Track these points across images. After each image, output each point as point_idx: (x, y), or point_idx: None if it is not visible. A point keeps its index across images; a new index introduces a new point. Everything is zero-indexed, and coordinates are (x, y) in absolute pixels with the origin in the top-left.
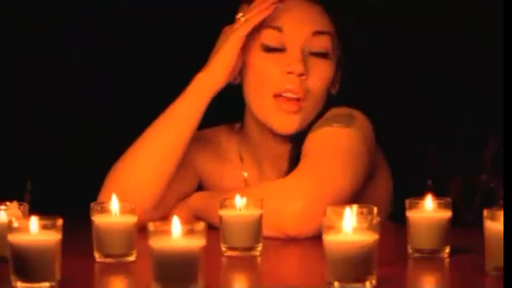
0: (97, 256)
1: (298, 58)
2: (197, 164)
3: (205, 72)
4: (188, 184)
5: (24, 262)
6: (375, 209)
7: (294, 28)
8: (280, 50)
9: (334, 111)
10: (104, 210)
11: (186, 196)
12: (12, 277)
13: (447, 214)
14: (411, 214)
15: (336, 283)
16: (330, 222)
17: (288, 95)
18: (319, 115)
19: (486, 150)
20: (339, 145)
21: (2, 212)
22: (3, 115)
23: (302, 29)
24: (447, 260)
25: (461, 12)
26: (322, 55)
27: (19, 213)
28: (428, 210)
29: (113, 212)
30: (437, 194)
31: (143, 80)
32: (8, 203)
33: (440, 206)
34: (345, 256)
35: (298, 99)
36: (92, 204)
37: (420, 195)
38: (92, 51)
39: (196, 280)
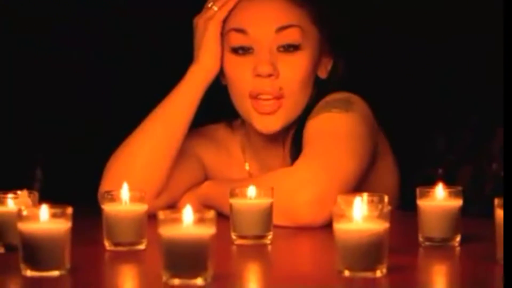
0: (107, 244)
1: (264, 59)
2: (202, 157)
3: (196, 64)
4: (194, 176)
5: (34, 250)
6: (386, 198)
7: (258, 28)
8: (248, 51)
9: (332, 97)
10: (114, 198)
11: (193, 186)
12: (22, 266)
13: (458, 202)
14: (422, 203)
15: (346, 272)
16: (341, 210)
17: (264, 96)
18: (316, 101)
19: (495, 139)
20: (340, 129)
21: (12, 201)
22: (13, 102)
23: (265, 28)
24: (458, 249)
25: None
26: (293, 48)
27: (29, 201)
28: (439, 198)
29: (123, 200)
30: (447, 184)
31: (143, 79)
32: (18, 192)
33: (451, 194)
34: (355, 245)
35: (274, 98)
36: (102, 193)
37: (431, 184)
38: (92, 51)
39: (206, 268)
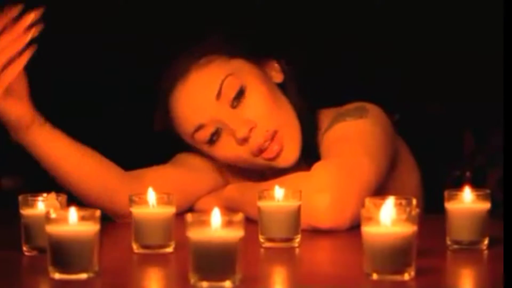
0: (135, 247)
1: (234, 127)
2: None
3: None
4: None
5: (62, 253)
6: (414, 201)
7: (207, 112)
8: (218, 135)
9: (345, 107)
10: (142, 201)
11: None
12: (50, 268)
13: (486, 205)
14: (450, 206)
15: (374, 275)
16: (369, 213)
17: (264, 146)
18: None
19: None
20: (356, 134)
21: (40, 203)
22: (42, 105)
23: (210, 106)
24: (485, 252)
25: None
26: (240, 93)
27: (57, 204)
28: (467, 201)
29: (150, 203)
30: (475, 187)
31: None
32: (46, 194)
33: (479, 197)
34: (383, 248)
35: (271, 140)
36: (130, 195)
37: (459, 187)
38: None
39: (234, 271)
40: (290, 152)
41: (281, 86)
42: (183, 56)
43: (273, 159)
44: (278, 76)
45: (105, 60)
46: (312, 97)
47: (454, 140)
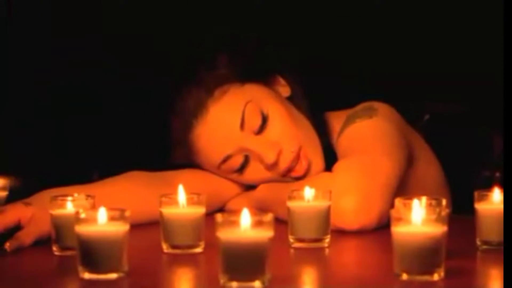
0: (165, 247)
1: (260, 154)
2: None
3: None
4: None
5: (92, 253)
6: (444, 201)
7: (228, 144)
8: (246, 163)
9: (354, 110)
10: (172, 201)
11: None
12: (80, 268)
13: None
14: (479, 206)
15: (404, 275)
16: (399, 214)
17: (292, 166)
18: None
19: None
20: (369, 135)
21: (70, 203)
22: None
23: (233, 137)
24: None
25: None
26: (263, 120)
27: (86, 204)
28: (497, 202)
29: (180, 203)
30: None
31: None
32: (75, 194)
33: None
34: (413, 248)
35: (298, 159)
36: (160, 196)
37: (488, 187)
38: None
39: (263, 271)
40: (317, 165)
41: (289, 99)
42: (195, 88)
43: (304, 176)
44: (285, 90)
45: (105, 60)
46: (320, 102)
47: (483, 140)
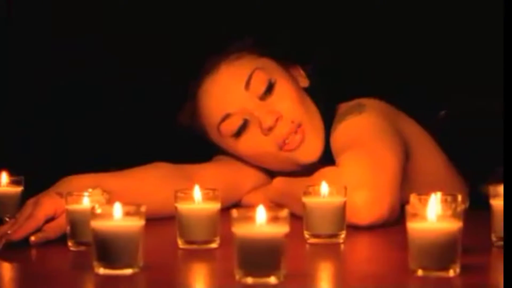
0: (180, 242)
1: (260, 117)
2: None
3: None
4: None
5: (107, 248)
6: (459, 197)
7: (234, 102)
8: (244, 128)
9: (343, 108)
10: (187, 197)
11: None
12: (95, 263)
13: None
14: (494, 202)
15: (419, 271)
16: (414, 209)
17: (288, 139)
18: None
19: None
20: (365, 130)
21: (86, 199)
22: (84, 101)
23: (239, 96)
24: None
25: None
26: (269, 87)
27: (102, 199)
28: None
29: (196, 199)
30: None
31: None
32: (91, 190)
33: None
34: (429, 244)
35: (295, 133)
36: (175, 191)
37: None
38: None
39: (279, 267)
40: (312, 146)
41: (306, 91)
42: (215, 55)
43: (294, 149)
44: (304, 81)
45: (106, 61)
46: (337, 101)
47: (497, 135)
